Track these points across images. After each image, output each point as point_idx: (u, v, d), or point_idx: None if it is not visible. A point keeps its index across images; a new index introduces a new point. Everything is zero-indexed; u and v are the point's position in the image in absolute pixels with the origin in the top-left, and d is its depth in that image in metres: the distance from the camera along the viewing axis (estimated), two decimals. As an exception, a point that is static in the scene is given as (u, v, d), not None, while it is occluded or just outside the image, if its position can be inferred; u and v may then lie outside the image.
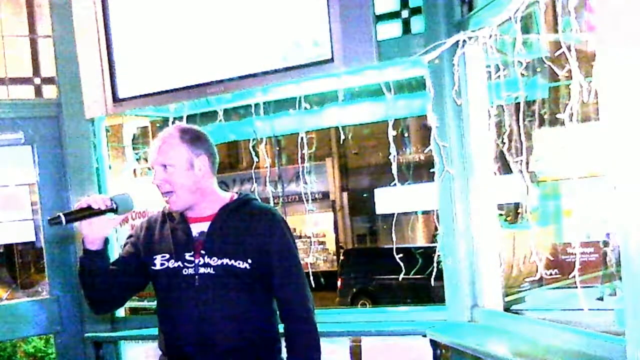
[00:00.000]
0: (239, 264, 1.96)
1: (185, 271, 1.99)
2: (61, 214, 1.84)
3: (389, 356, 2.88)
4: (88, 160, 3.43)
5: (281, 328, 2.10)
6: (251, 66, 2.92)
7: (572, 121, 1.90)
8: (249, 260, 1.97)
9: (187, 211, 2.05)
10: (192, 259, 1.99)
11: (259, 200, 2.16)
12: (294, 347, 2.02)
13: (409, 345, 2.78)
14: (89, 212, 1.89)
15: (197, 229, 2.03)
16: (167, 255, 2.02)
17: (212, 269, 1.97)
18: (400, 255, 2.99)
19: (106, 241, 1.98)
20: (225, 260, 1.97)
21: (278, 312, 2.08)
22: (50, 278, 3.47)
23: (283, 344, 2.08)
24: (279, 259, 2.01)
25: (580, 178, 2.09)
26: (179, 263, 2.00)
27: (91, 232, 1.93)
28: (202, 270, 1.97)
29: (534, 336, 2.26)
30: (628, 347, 1.68)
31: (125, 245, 2.13)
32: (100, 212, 1.90)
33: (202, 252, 1.98)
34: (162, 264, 2.02)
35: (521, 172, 2.36)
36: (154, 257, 2.04)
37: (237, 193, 2.12)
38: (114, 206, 1.92)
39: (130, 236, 2.14)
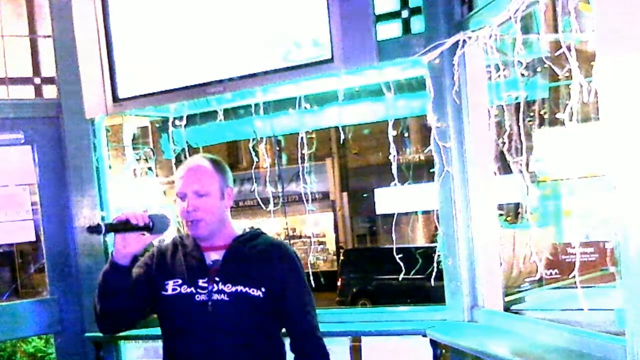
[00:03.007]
0: (253, 291, 1.97)
1: (198, 297, 1.98)
2: (101, 223, 1.87)
3: (389, 356, 2.88)
4: (88, 160, 3.43)
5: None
6: (251, 66, 2.92)
7: (572, 121, 1.90)
8: (263, 289, 1.98)
9: (201, 241, 2.06)
10: (205, 285, 1.99)
11: (268, 235, 2.17)
12: None
13: (409, 345, 2.78)
14: (126, 227, 1.89)
15: (210, 257, 2.04)
16: (180, 281, 2.01)
17: (226, 295, 1.96)
18: (400, 255, 2.99)
19: (134, 259, 1.97)
20: (240, 288, 1.97)
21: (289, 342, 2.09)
22: (50, 278, 3.46)
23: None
24: (292, 290, 2.04)
25: (580, 178, 2.10)
26: (192, 289, 1.99)
27: (123, 247, 1.91)
28: (215, 296, 1.97)
29: (534, 336, 2.26)
30: (628, 347, 1.68)
31: (136, 269, 2.10)
32: (136, 228, 1.90)
33: (217, 278, 1.98)
34: (174, 289, 2.01)
35: (521, 172, 2.36)
36: (166, 282, 2.03)
37: (248, 227, 2.16)
38: (151, 224, 1.92)
39: (142, 261, 2.12)
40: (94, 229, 1.86)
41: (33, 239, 3.55)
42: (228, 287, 1.97)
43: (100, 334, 3.35)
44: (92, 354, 3.43)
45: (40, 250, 3.53)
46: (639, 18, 1.57)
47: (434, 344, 2.69)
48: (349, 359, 2.95)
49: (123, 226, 1.89)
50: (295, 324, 2.05)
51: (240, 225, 2.16)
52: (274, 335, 2.07)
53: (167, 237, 2.20)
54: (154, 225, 1.93)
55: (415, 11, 2.75)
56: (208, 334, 1.96)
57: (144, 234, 1.92)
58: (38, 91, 3.54)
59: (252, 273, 2.00)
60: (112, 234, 1.92)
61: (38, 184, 3.45)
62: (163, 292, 2.02)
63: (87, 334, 3.41)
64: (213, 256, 2.04)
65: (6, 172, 3.46)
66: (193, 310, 1.98)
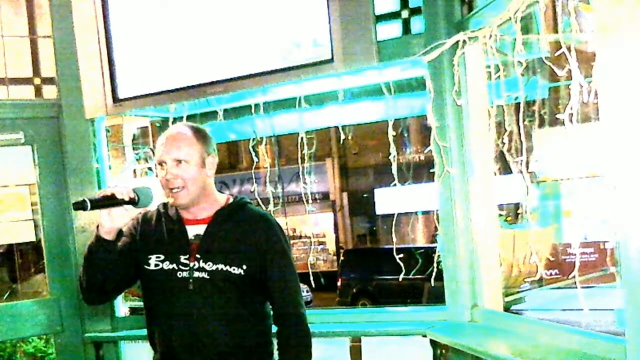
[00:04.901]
0: (233, 269, 1.98)
1: (180, 274, 1.99)
2: (86, 199, 1.85)
3: (389, 356, 2.88)
4: (88, 160, 3.43)
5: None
6: (251, 66, 2.92)
7: (572, 121, 1.90)
8: (244, 267, 1.98)
9: (184, 212, 2.05)
10: (187, 262, 2.00)
11: (253, 204, 2.16)
12: (285, 351, 2.04)
13: (409, 346, 2.78)
14: (111, 201, 1.89)
15: (193, 231, 2.04)
16: (162, 256, 2.02)
17: (206, 273, 1.98)
18: (401, 255, 2.99)
19: (119, 232, 1.97)
20: (220, 266, 1.98)
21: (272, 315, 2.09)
22: (50, 278, 3.46)
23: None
24: (273, 264, 2.03)
25: (580, 178, 2.10)
26: (174, 265, 2.00)
27: (109, 222, 1.91)
28: (196, 274, 1.98)
29: (534, 336, 2.26)
30: (628, 347, 1.68)
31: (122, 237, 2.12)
32: (122, 202, 1.90)
33: (198, 255, 1.99)
34: (156, 265, 2.02)
35: (521, 172, 2.35)
36: (149, 256, 2.04)
37: (232, 196, 2.13)
38: (136, 198, 1.92)
39: (126, 229, 2.11)
40: (79, 205, 1.84)
41: (33, 239, 3.55)
42: (209, 265, 1.98)
43: (101, 334, 3.41)
44: (92, 354, 3.44)
45: (40, 250, 3.53)
46: (638, 18, 1.57)
47: (434, 344, 2.69)
48: (348, 359, 2.95)
49: (108, 201, 1.89)
50: (276, 298, 2.04)
51: (225, 195, 2.12)
52: (257, 310, 2.05)
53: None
54: (139, 199, 1.93)
55: (415, 11, 2.75)
56: (188, 312, 1.97)
57: (129, 208, 1.92)
58: (38, 91, 3.54)
59: (234, 249, 2.00)
60: (98, 209, 1.91)
61: (38, 184, 3.45)
62: (146, 266, 2.03)
63: (87, 334, 3.42)
64: (195, 230, 2.03)
65: (6, 172, 3.46)
66: (174, 287, 1.99)
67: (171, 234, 2.05)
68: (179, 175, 1.97)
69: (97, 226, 1.95)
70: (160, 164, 2.00)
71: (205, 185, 2.03)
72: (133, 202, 1.92)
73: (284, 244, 2.08)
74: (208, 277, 1.97)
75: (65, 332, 3.45)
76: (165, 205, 2.11)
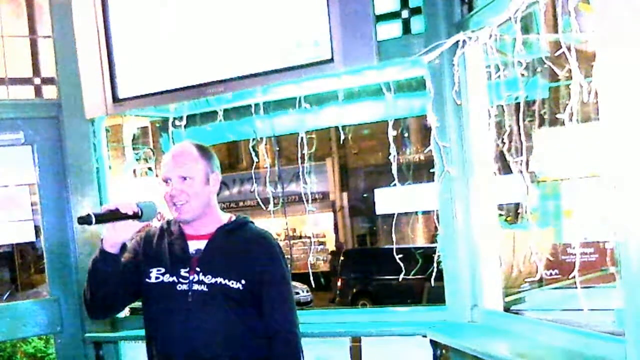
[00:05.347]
0: (232, 283, 2.00)
1: (180, 287, 2.02)
2: (91, 214, 1.88)
3: (389, 356, 2.88)
4: (88, 160, 3.43)
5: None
6: (251, 66, 2.92)
7: (572, 121, 1.90)
8: (242, 281, 2.01)
9: (186, 227, 2.10)
10: (187, 275, 2.03)
11: (255, 225, 2.20)
12: None
13: (409, 346, 2.78)
14: (116, 216, 1.93)
15: (194, 246, 2.08)
16: (163, 270, 2.06)
17: (205, 286, 2.00)
18: (401, 255, 2.99)
19: (123, 246, 2.01)
20: (219, 279, 2.00)
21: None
22: (50, 279, 3.47)
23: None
24: (270, 283, 2.06)
25: (580, 178, 2.10)
26: (174, 278, 2.03)
27: (113, 236, 1.96)
28: (195, 287, 2.01)
29: (534, 336, 2.27)
30: (628, 347, 1.68)
31: (125, 254, 2.13)
32: (125, 217, 1.93)
33: (197, 269, 2.02)
34: (157, 278, 2.06)
35: (521, 172, 2.35)
36: (150, 269, 2.07)
37: (235, 215, 2.18)
38: (140, 213, 1.95)
39: (130, 247, 2.15)
40: (84, 220, 1.88)
41: (33, 239, 3.55)
42: (208, 278, 2.00)
43: (101, 334, 3.40)
44: (92, 354, 3.44)
45: (40, 251, 3.52)
46: (639, 18, 1.57)
47: (434, 344, 2.69)
48: (348, 359, 2.95)
49: (112, 215, 1.93)
50: (270, 316, 2.06)
51: (227, 214, 2.17)
52: (254, 324, 2.06)
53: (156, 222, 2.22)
54: (142, 213, 1.96)
55: (415, 11, 2.75)
56: (187, 324, 1.99)
57: (132, 222, 1.96)
58: (38, 91, 3.54)
59: (233, 264, 2.03)
60: (102, 223, 1.95)
61: (38, 184, 3.45)
62: (147, 280, 2.07)
63: (87, 334, 3.42)
64: (196, 245, 2.07)
65: (6, 172, 3.46)
66: (174, 300, 2.02)
67: (173, 248, 2.09)
68: (184, 191, 2.03)
69: (102, 240, 1.99)
70: (166, 181, 2.05)
71: (208, 201, 2.09)
72: (137, 216, 1.95)
73: (283, 263, 2.11)
74: (207, 290, 2.00)
75: (65, 332, 3.45)
76: (169, 222, 2.16)
